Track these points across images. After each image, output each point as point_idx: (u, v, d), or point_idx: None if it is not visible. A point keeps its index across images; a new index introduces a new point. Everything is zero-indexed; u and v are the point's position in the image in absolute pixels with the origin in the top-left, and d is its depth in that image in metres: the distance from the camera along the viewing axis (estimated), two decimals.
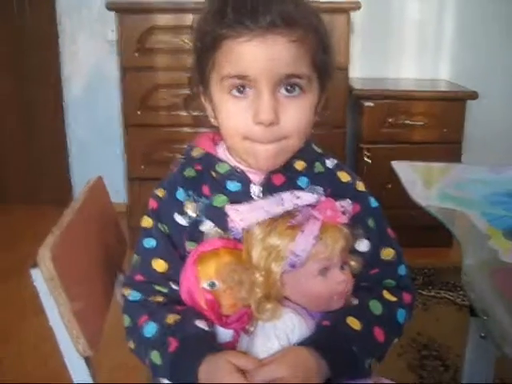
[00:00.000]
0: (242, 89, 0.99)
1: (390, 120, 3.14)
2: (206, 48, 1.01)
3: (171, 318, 1.01)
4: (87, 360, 1.10)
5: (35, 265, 1.02)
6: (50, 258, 1.01)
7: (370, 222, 1.10)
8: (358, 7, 3.00)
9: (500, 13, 3.48)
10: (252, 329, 1.00)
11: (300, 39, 0.96)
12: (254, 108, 0.98)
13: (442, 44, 3.57)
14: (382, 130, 3.15)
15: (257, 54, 0.95)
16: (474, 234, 1.39)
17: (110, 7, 3.02)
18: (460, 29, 3.54)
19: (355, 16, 3.18)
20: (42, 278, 1.02)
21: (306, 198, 1.01)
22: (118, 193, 3.05)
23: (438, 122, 3.14)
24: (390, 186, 2.92)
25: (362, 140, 3.18)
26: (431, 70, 3.60)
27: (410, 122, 3.14)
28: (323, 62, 1.03)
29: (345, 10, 3.01)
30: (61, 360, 1.10)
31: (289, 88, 0.99)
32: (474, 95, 3.13)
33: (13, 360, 2.30)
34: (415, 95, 3.20)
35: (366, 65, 3.57)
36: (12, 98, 3.86)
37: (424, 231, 2.79)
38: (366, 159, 3.13)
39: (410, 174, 1.74)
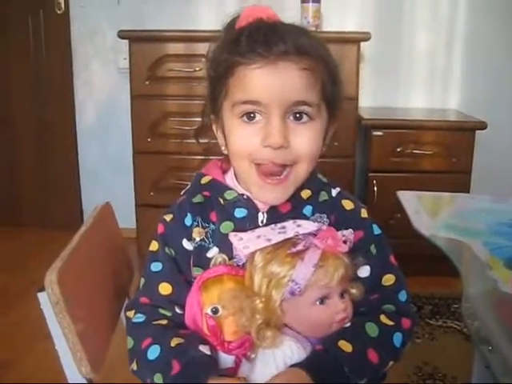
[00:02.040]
0: (252, 115, 1.02)
1: (399, 149, 3.14)
2: (220, 76, 1.05)
3: (175, 342, 1.01)
4: (90, 383, 1.11)
5: (42, 289, 1.04)
6: (57, 283, 1.03)
7: (372, 249, 1.12)
8: (368, 38, 3.02)
9: (509, 43, 3.50)
10: (253, 355, 1.01)
11: (311, 68, 1.00)
12: (263, 132, 1.01)
13: (451, 74, 3.59)
14: (390, 159, 3.15)
15: (268, 80, 0.99)
16: (475, 264, 1.40)
17: (122, 36, 3.06)
18: (469, 59, 3.56)
19: (365, 46, 3.21)
20: (48, 302, 1.04)
21: (308, 226, 1.03)
22: (128, 219, 3.07)
23: (446, 152, 3.14)
24: (398, 215, 2.92)
25: (370, 169, 3.19)
26: (440, 99, 3.61)
27: (419, 152, 3.14)
28: (332, 93, 1.06)
29: (355, 41, 3.03)
30: None
31: (297, 115, 1.02)
32: (482, 125, 3.12)
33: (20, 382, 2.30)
34: (424, 125, 3.21)
35: (375, 94, 3.60)
36: (27, 124, 3.91)
37: (432, 260, 2.75)
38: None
39: (415, 203, 1.75)
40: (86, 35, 3.71)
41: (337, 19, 3.47)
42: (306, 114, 1.02)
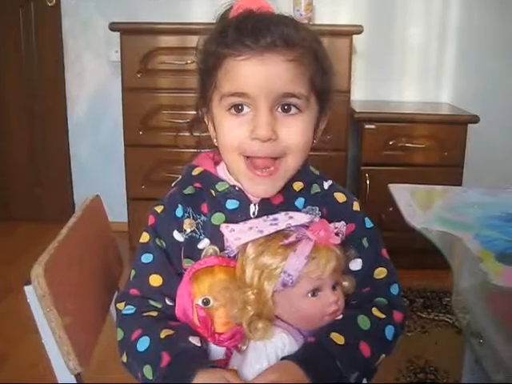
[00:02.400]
0: (240, 107, 1.01)
1: (391, 143, 3.14)
2: (209, 68, 1.04)
3: (164, 333, 1.01)
4: (78, 377, 1.10)
5: (28, 282, 1.03)
6: (43, 276, 1.02)
7: (364, 242, 1.11)
8: (360, 31, 3.02)
9: (501, 37, 3.51)
10: (244, 347, 1.01)
11: (298, 59, 0.99)
12: (251, 125, 1.00)
13: (443, 67, 3.59)
14: (383, 153, 3.15)
15: (255, 72, 0.98)
16: (467, 257, 1.40)
17: (113, 28, 3.05)
18: (461, 52, 3.56)
19: (357, 39, 3.20)
20: (34, 295, 1.03)
21: (300, 218, 1.03)
22: (119, 212, 3.06)
23: (438, 146, 3.15)
24: (391, 208, 2.91)
25: (362, 162, 3.19)
26: (433, 93, 3.62)
27: (411, 145, 3.14)
28: (322, 84, 1.05)
29: (347, 34, 3.03)
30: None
31: (286, 107, 1.01)
32: (475, 119, 3.12)
33: (10, 376, 2.30)
34: (416, 118, 3.21)
35: (367, 88, 3.60)
36: (18, 117, 3.89)
37: (424, 254, 2.75)
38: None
39: (407, 196, 1.75)
40: (77, 28, 3.69)
41: (329, 12, 3.47)
42: (294, 105, 1.02)
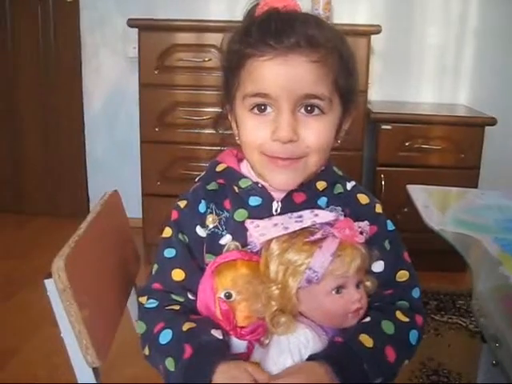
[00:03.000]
0: (263, 108, 1.02)
1: (408, 144, 3.13)
2: (232, 67, 1.05)
3: (187, 326, 1.01)
4: (95, 371, 1.11)
5: (49, 275, 1.04)
6: (64, 269, 1.02)
7: (386, 244, 1.11)
8: (378, 31, 3.01)
9: None
10: (267, 341, 1.01)
11: (322, 60, 0.99)
12: (273, 125, 1.00)
13: (461, 69, 3.58)
14: (399, 154, 3.14)
15: (278, 73, 0.98)
16: (486, 260, 1.39)
17: (131, 24, 3.05)
18: (479, 54, 3.54)
19: (375, 39, 3.19)
20: (55, 289, 1.03)
21: (325, 216, 1.02)
22: (134, 208, 3.06)
23: (455, 147, 3.13)
24: (405, 209, 2.92)
25: (378, 163, 3.18)
26: (450, 94, 3.60)
27: (428, 147, 3.13)
28: (346, 85, 1.05)
29: (366, 34, 3.02)
30: (71, 371, 1.11)
31: (309, 108, 1.01)
32: (492, 121, 3.11)
33: (24, 368, 2.31)
34: (433, 119, 3.19)
35: (384, 88, 3.59)
36: (35, 112, 3.91)
37: (439, 256, 2.77)
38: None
39: (425, 198, 1.74)
40: (95, 23, 3.70)
41: (347, 12, 3.46)
42: (317, 107, 1.01)
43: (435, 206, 1.71)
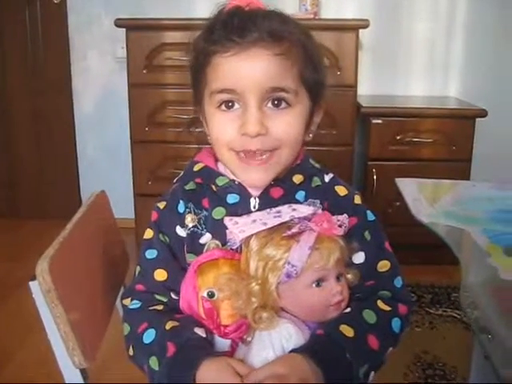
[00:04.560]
0: (230, 104, 1.02)
1: (398, 137, 3.13)
2: (198, 66, 1.06)
3: (170, 325, 1.01)
4: (83, 372, 1.11)
5: (34, 277, 1.03)
6: (48, 271, 1.02)
7: (367, 235, 1.12)
8: (366, 25, 3.00)
9: (509, 30, 3.49)
10: (249, 339, 1.02)
11: (285, 53, 1.00)
12: (241, 121, 1.01)
13: (450, 61, 3.57)
14: (390, 148, 3.14)
15: (242, 67, 0.99)
16: (475, 252, 1.39)
17: (118, 24, 3.04)
18: (468, 46, 3.54)
19: (364, 34, 3.19)
20: (39, 291, 1.03)
21: (303, 210, 1.03)
22: (126, 208, 3.05)
23: (446, 140, 3.13)
24: (397, 203, 2.92)
25: (369, 157, 3.18)
26: (440, 87, 3.60)
27: (419, 140, 3.13)
28: (312, 78, 1.05)
29: (354, 28, 3.01)
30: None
31: (275, 102, 1.02)
32: (483, 113, 3.11)
33: (16, 372, 2.31)
34: (424, 113, 3.19)
35: (374, 82, 3.58)
36: (24, 114, 3.90)
37: (432, 249, 2.75)
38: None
39: (414, 191, 1.74)
40: (82, 25, 3.69)
41: (335, 7, 3.45)
42: (283, 100, 1.02)
43: (425, 198, 1.71)
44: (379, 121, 3.12)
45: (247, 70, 0.99)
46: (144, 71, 3.07)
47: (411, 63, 3.58)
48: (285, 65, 1.00)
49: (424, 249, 2.83)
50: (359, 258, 1.09)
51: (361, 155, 3.31)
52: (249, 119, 0.99)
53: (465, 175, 3.08)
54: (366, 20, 2.99)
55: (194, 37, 1.08)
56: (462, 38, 3.54)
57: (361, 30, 3.04)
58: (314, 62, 1.06)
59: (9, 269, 3.19)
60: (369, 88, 3.55)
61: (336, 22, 3.04)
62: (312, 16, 3.10)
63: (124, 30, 3.06)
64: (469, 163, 3.15)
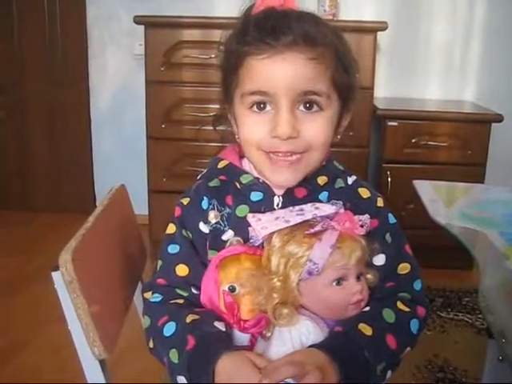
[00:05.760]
0: (261, 105, 1.03)
1: (414, 140, 3.13)
2: (231, 66, 1.05)
3: (190, 318, 1.02)
4: (102, 363, 1.12)
5: (56, 268, 1.04)
6: (71, 262, 1.03)
7: (388, 237, 1.12)
8: (384, 27, 3.01)
9: None
10: (269, 334, 1.02)
11: (319, 57, 1.00)
12: (272, 123, 1.01)
13: (467, 66, 3.57)
14: (405, 150, 3.14)
15: (276, 70, 0.99)
16: (492, 255, 1.39)
17: (137, 21, 3.05)
18: (486, 51, 3.54)
19: (382, 36, 3.19)
20: (62, 281, 1.04)
21: (325, 208, 1.03)
22: (140, 205, 3.06)
23: (461, 144, 3.13)
24: (411, 206, 2.93)
25: (384, 159, 3.18)
26: (456, 91, 3.60)
27: (434, 143, 3.13)
28: (343, 81, 1.05)
29: (372, 30, 3.02)
30: (78, 366, 1.12)
31: (307, 105, 1.02)
32: (499, 118, 3.10)
33: (32, 362, 2.33)
34: (439, 116, 3.20)
35: (391, 85, 3.59)
36: (41, 107, 3.93)
37: (445, 252, 2.78)
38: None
39: (431, 192, 1.74)
40: (101, 20, 3.71)
41: (354, 8, 3.46)
42: (315, 103, 1.02)
43: (441, 200, 1.71)
44: (395, 123, 3.12)
45: (281, 73, 0.99)
46: (162, 68, 3.08)
47: (428, 67, 3.58)
48: (318, 69, 1.00)
49: (436, 252, 2.83)
50: (380, 259, 1.10)
51: (376, 157, 3.31)
52: (280, 122, 1.00)
53: (479, 179, 3.07)
54: (385, 22, 3.00)
55: (222, 36, 1.08)
56: (480, 42, 3.54)
57: (379, 33, 3.04)
58: (346, 65, 1.06)
59: (23, 262, 3.22)
60: (385, 90, 3.56)
61: (354, 24, 3.05)
62: (330, 17, 3.10)
63: (142, 26, 3.08)
64: (484, 168, 3.14)
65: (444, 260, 3.01)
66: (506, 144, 3.40)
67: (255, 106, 1.03)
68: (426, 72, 3.59)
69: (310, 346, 0.97)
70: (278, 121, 1.00)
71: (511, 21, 3.47)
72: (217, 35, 1.12)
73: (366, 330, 1.00)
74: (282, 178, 1.06)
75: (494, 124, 3.13)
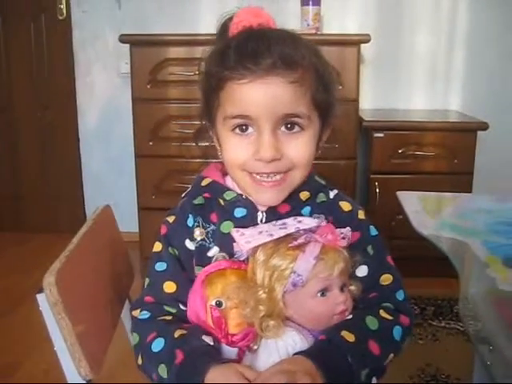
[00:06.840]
0: (244, 128, 1.04)
1: (401, 151, 3.14)
2: (211, 89, 1.06)
3: (178, 333, 1.03)
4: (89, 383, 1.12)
5: (41, 290, 1.05)
6: (55, 284, 1.04)
7: (369, 249, 1.14)
8: (367, 40, 3.02)
9: (509, 43, 3.51)
10: (255, 347, 1.04)
11: (299, 80, 1.01)
12: (255, 145, 1.03)
13: (452, 75, 3.59)
14: (392, 161, 3.15)
15: (258, 95, 1.00)
16: (475, 264, 1.40)
17: (123, 40, 3.07)
18: (469, 60, 3.56)
19: (365, 48, 3.21)
20: (46, 303, 1.04)
21: (308, 222, 1.05)
22: (130, 222, 3.06)
23: (448, 153, 3.14)
24: (400, 216, 2.92)
25: (372, 171, 3.19)
26: (441, 100, 3.62)
27: (421, 153, 3.14)
28: (323, 101, 1.07)
29: (355, 43, 3.03)
30: None
31: (289, 126, 1.04)
32: (484, 126, 3.12)
33: (24, 382, 2.33)
34: (425, 126, 3.21)
35: (376, 96, 3.61)
36: (29, 128, 3.94)
37: (434, 262, 2.73)
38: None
39: (415, 203, 1.75)
40: (87, 40, 3.73)
41: (337, 21, 3.48)
42: (296, 124, 1.04)
43: (426, 211, 1.72)
44: (381, 134, 3.14)
45: (262, 97, 1.00)
46: (148, 86, 3.09)
47: (412, 77, 3.61)
48: (299, 92, 1.01)
49: (426, 261, 2.83)
50: (362, 271, 1.11)
51: (363, 169, 3.32)
52: (263, 145, 1.01)
53: (467, 188, 3.08)
54: (367, 35, 3.01)
55: (204, 53, 1.09)
56: (463, 51, 3.56)
57: (362, 45, 3.06)
58: (326, 84, 1.07)
59: (16, 281, 3.22)
60: (371, 102, 3.58)
61: (338, 37, 3.06)
62: (314, 31, 3.12)
63: (128, 45, 3.09)
64: (471, 176, 3.15)
65: (434, 269, 2.99)
66: (492, 152, 3.40)
67: (238, 129, 1.04)
68: (410, 82, 3.61)
69: (295, 354, 0.99)
70: (261, 144, 1.02)
71: (494, 29, 3.50)
72: (201, 52, 1.13)
73: (349, 336, 1.01)
74: (265, 197, 1.08)
75: (479, 132, 3.14)
